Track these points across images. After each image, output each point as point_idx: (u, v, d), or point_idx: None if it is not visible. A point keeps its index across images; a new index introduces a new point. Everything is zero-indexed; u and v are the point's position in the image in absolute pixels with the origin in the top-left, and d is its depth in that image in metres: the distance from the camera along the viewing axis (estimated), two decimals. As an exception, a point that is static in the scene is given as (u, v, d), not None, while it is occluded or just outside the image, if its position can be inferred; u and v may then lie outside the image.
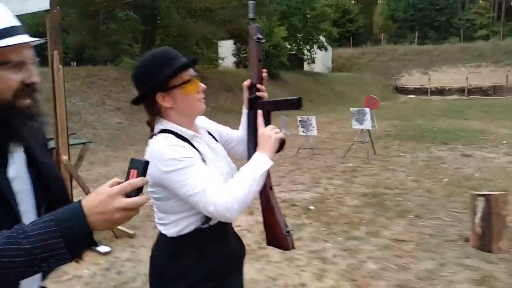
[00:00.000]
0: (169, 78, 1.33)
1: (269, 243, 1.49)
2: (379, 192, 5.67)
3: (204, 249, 1.40)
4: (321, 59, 37.16)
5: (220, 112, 14.99)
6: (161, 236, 1.43)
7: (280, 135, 1.42)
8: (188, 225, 1.37)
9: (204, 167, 1.31)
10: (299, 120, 8.52)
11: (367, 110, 7.90)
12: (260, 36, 1.48)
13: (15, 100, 0.97)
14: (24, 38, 0.97)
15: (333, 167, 7.36)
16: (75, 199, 1.12)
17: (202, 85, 1.42)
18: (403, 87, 34.56)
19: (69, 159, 3.98)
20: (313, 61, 29.95)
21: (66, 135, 3.94)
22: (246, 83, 1.53)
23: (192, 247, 1.39)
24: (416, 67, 36.13)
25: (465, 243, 3.90)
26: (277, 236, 1.44)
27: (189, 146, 1.35)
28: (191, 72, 1.38)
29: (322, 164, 7.58)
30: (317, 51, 30.70)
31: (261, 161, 1.36)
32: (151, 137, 1.38)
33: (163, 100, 1.36)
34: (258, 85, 1.52)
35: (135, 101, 1.40)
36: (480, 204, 3.74)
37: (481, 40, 38.48)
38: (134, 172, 0.92)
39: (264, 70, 1.53)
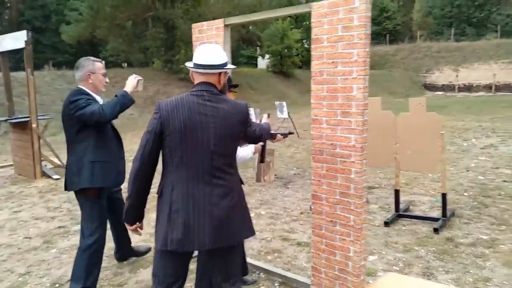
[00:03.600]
0: None
1: None
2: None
3: None
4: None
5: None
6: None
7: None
8: None
9: None
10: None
11: (284, 103, 10.37)
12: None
13: None
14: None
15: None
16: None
17: None
18: (432, 83, 35.08)
19: (37, 126, 7.01)
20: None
21: (35, 113, 6.97)
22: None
23: None
24: (448, 64, 36.35)
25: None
26: None
27: None
28: None
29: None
30: None
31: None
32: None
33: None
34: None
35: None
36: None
37: (521, 35, 37.74)
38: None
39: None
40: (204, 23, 3.54)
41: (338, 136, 2.80)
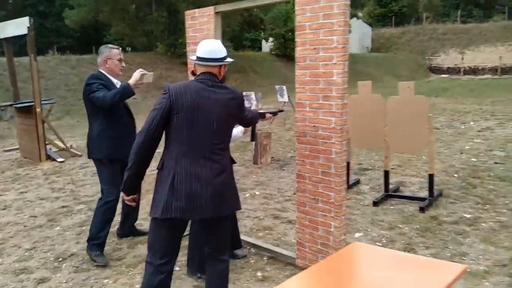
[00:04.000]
0: None
1: None
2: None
3: None
4: (359, 40, 38.27)
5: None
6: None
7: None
8: None
9: None
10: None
11: (284, 87, 10.47)
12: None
13: None
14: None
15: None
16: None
17: None
18: (437, 66, 34.85)
19: (41, 111, 7.21)
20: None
21: (39, 98, 7.17)
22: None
23: None
24: (453, 46, 36.04)
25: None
26: None
27: None
28: None
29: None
30: (355, 31, 32.35)
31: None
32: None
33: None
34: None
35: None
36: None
37: (529, 17, 37.17)
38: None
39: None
40: (196, 10, 3.68)
41: (320, 119, 2.96)
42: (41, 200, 5.29)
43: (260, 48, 32.99)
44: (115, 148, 3.49)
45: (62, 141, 7.80)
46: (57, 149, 7.81)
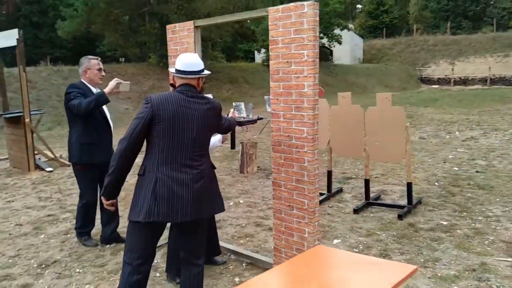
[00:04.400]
0: None
1: None
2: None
3: None
4: (350, 51, 38.73)
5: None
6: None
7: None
8: None
9: None
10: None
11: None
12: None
13: None
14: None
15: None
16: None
17: None
18: (428, 77, 35.28)
19: (30, 121, 7.29)
20: (331, 53, 32.06)
21: (28, 108, 7.24)
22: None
23: None
24: (444, 57, 36.53)
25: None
26: None
27: None
28: None
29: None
30: (346, 43, 32.93)
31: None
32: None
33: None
34: None
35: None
36: (240, 146, 6.56)
37: (517, 28, 37.85)
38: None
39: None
40: (176, 24, 3.81)
41: (293, 129, 3.08)
42: (28, 209, 5.35)
43: (253, 59, 33.30)
44: (90, 153, 3.75)
45: (51, 151, 7.86)
46: (46, 159, 7.87)
